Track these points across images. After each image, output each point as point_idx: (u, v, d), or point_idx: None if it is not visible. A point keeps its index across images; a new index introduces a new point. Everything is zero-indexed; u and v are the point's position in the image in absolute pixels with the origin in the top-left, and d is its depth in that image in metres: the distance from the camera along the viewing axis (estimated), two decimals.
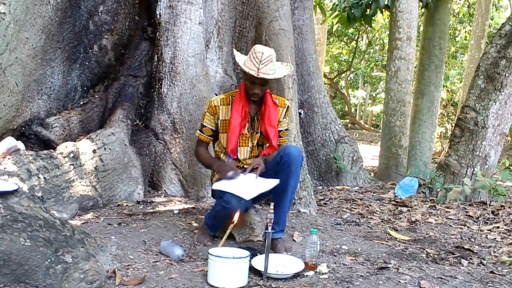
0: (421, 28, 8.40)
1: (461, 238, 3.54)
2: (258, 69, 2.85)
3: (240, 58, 2.99)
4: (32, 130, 4.11)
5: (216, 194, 3.06)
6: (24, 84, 3.99)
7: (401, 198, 4.99)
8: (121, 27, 4.97)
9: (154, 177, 4.63)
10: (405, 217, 4.16)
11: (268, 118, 3.07)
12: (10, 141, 3.60)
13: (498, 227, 3.84)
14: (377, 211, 4.42)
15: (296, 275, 2.54)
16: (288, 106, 3.21)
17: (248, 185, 2.82)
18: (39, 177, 3.38)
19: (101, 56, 4.86)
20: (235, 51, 3.06)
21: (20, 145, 3.69)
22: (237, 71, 5.29)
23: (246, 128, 3.11)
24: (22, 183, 3.22)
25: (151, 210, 3.92)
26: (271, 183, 2.83)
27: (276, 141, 3.13)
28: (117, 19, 4.91)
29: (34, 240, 2.17)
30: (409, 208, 4.50)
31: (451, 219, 4.13)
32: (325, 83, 17.62)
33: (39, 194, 3.33)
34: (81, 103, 4.67)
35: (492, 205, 4.55)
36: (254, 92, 2.96)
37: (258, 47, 2.93)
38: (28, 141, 4.07)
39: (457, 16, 17.04)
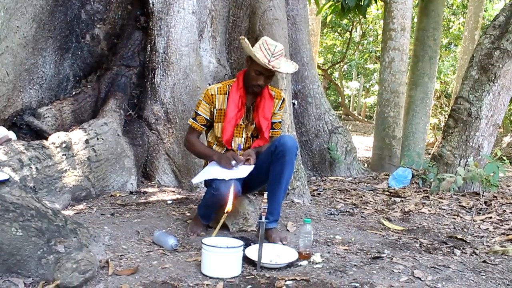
0: (415, 19, 8.40)
1: (454, 228, 3.55)
2: (269, 61, 2.84)
3: (250, 47, 2.95)
4: (24, 120, 4.07)
5: (208, 183, 3.05)
6: (15, 74, 3.95)
7: (394, 189, 5.00)
8: (114, 16, 4.91)
9: (147, 167, 4.61)
10: (398, 207, 4.17)
11: (262, 110, 3.06)
12: (1, 131, 3.57)
13: (490, 217, 3.85)
14: (370, 201, 4.43)
15: (290, 265, 2.54)
16: (284, 98, 3.19)
17: (226, 170, 2.91)
18: (31, 167, 3.35)
19: (94, 45, 4.81)
20: (245, 40, 3.01)
21: (12, 135, 3.66)
22: (231, 61, 5.27)
23: (242, 119, 3.09)
24: (14, 173, 3.20)
25: (144, 200, 3.91)
26: (247, 169, 2.91)
27: (268, 134, 3.12)
28: (109, 8, 4.86)
29: (26, 230, 2.15)
30: (403, 199, 4.51)
31: (444, 209, 4.14)
32: (319, 74, 17.61)
33: (31, 185, 3.30)
34: (74, 93, 4.63)
35: (484, 196, 4.57)
36: (258, 84, 2.94)
37: (270, 40, 2.93)
38: (20, 132, 4.03)
39: (451, 7, 17.06)
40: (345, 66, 24.86)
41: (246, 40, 2.98)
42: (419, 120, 7.14)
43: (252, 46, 2.94)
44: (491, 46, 4.84)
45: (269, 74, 2.94)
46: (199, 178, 3.01)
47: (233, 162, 2.90)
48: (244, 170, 2.90)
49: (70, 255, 2.14)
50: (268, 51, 2.86)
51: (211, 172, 2.95)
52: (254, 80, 2.93)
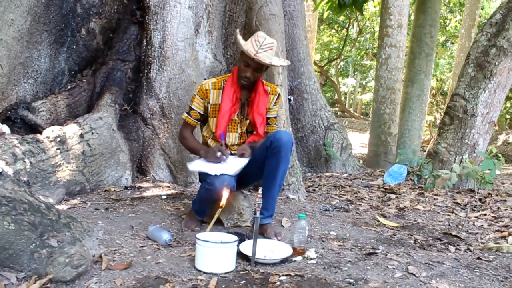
0: (412, 16, 8.39)
1: (449, 225, 3.55)
2: (256, 52, 2.82)
3: (241, 40, 2.95)
4: (18, 114, 4.04)
5: (202, 178, 3.04)
6: (10, 67, 3.92)
7: (389, 185, 5.00)
8: (110, 10, 4.89)
9: (142, 162, 4.59)
10: (393, 204, 4.17)
11: (257, 106, 3.05)
12: None
13: (485, 214, 3.86)
14: (365, 197, 4.43)
15: (284, 260, 2.53)
16: (279, 94, 3.18)
17: (221, 165, 2.88)
18: (24, 161, 3.33)
19: (89, 39, 4.78)
20: (238, 32, 3.02)
21: (5, 128, 3.64)
22: (227, 57, 5.25)
23: (236, 114, 3.07)
24: (7, 167, 3.18)
25: (139, 195, 3.89)
26: (242, 162, 2.91)
27: (263, 129, 3.11)
28: (105, 2, 4.83)
29: (18, 224, 2.13)
30: (398, 195, 4.51)
31: (439, 206, 4.15)
32: (316, 71, 17.59)
33: (25, 179, 3.28)
34: (69, 87, 4.60)
35: (479, 193, 4.57)
36: (246, 75, 2.93)
37: (261, 33, 2.94)
38: (14, 126, 4.00)
39: (448, 5, 17.06)
40: (342, 63, 24.87)
41: (238, 33, 2.98)
42: (415, 117, 7.14)
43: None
44: (487, 44, 4.84)
45: (257, 67, 2.91)
46: (194, 166, 2.99)
47: (218, 154, 2.88)
48: (237, 165, 2.89)
49: (63, 250, 2.13)
50: (257, 42, 2.86)
51: (206, 165, 2.93)
52: (243, 72, 2.93)
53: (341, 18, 17.89)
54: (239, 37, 2.94)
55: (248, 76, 2.92)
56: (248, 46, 2.86)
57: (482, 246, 2.98)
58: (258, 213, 2.51)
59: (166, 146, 4.54)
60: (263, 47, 2.84)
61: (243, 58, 2.91)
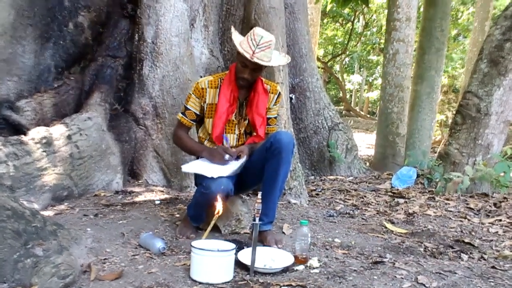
0: (422, 9, 8.40)
1: (461, 231, 3.55)
2: (253, 52, 2.81)
3: (237, 37, 2.94)
4: (1, 114, 4.04)
5: (198, 182, 3.04)
6: None
7: (398, 189, 5.00)
8: (99, 3, 4.89)
9: (134, 165, 4.59)
10: (402, 209, 4.17)
11: (256, 106, 3.04)
12: None
13: (500, 220, 3.86)
14: (372, 202, 4.43)
15: (285, 270, 2.53)
16: (279, 92, 3.18)
17: (217, 166, 2.89)
18: (8, 165, 3.33)
19: (77, 34, 4.78)
20: (233, 29, 3.02)
21: None
22: (224, 53, 5.25)
23: (234, 114, 3.07)
24: None
25: (131, 201, 3.90)
26: (239, 163, 2.92)
27: (263, 131, 3.10)
28: None
29: (1, 232, 2.13)
30: (407, 200, 4.51)
31: (450, 211, 4.15)
32: (319, 67, 17.62)
33: (8, 183, 3.28)
34: (55, 85, 4.59)
35: (494, 197, 4.57)
36: (243, 77, 2.92)
37: (258, 30, 2.88)
38: None
39: None
40: (347, 59, 24.91)
41: (233, 29, 2.98)
42: (425, 116, 7.14)
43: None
44: (501, 38, 4.84)
45: (255, 67, 2.90)
46: (189, 168, 2.99)
47: (227, 156, 2.88)
48: (235, 166, 2.89)
49: (49, 259, 2.13)
50: (254, 41, 2.82)
51: (202, 166, 2.92)
52: (240, 73, 2.93)
53: (346, 11, 17.91)
54: (235, 36, 2.93)
55: (246, 77, 2.92)
56: (244, 45, 2.84)
57: (497, 254, 2.98)
58: (257, 219, 2.51)
59: (159, 147, 4.54)
60: (260, 46, 2.80)
61: (240, 58, 2.90)
